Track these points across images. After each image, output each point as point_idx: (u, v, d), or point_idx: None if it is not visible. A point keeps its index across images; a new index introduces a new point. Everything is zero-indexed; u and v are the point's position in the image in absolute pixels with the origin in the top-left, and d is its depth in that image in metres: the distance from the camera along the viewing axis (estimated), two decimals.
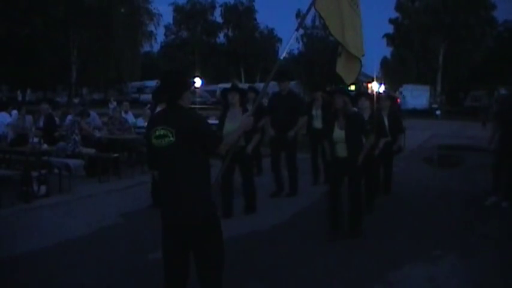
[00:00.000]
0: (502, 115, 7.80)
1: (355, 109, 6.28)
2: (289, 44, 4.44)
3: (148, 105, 12.27)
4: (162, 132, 3.26)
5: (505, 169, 7.59)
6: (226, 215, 6.45)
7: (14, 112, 11.09)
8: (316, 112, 8.76)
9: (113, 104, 13.18)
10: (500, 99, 14.30)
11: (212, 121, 13.65)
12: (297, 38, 52.15)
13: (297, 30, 4.40)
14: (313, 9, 4.29)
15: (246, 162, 6.86)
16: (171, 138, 3.23)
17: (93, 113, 11.93)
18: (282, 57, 4.47)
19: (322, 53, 38.29)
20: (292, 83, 33.08)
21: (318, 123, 8.62)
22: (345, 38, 4.47)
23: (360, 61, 4.74)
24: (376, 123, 6.98)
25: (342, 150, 5.86)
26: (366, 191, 6.96)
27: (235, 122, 6.21)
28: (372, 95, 8.62)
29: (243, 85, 32.27)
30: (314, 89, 9.38)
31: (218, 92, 43.23)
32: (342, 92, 6.06)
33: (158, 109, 6.23)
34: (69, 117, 11.16)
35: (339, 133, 5.85)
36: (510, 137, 7.43)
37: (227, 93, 6.84)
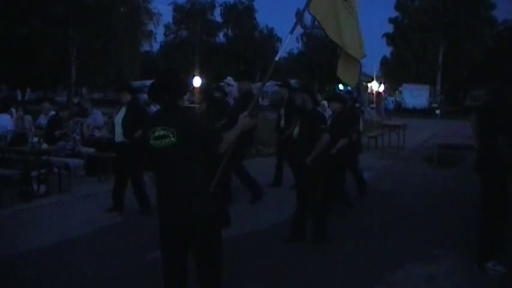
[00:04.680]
0: None
1: (318, 108, 6.11)
2: (284, 47, 4.48)
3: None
4: (162, 132, 3.24)
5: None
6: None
7: (12, 111, 11.09)
8: (281, 111, 8.38)
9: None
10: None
11: None
12: (296, 38, 52.14)
13: (291, 33, 4.34)
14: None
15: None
16: (172, 139, 3.22)
17: (98, 111, 11.89)
18: (277, 59, 4.44)
19: (322, 52, 38.35)
20: (292, 81, 33.08)
21: (283, 123, 8.21)
22: (342, 40, 4.47)
23: (359, 62, 4.74)
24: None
25: (299, 148, 5.73)
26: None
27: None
28: (343, 97, 8.25)
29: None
30: (281, 85, 8.75)
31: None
32: (303, 90, 6.06)
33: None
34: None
35: (296, 130, 5.75)
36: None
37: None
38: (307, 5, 4.24)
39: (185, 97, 3.43)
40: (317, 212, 5.70)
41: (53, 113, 11.12)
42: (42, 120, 11.21)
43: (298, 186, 5.91)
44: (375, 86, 38.91)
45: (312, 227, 5.73)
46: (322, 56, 38.77)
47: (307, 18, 39.26)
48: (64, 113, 10.57)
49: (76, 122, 9.89)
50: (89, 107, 11.16)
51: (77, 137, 9.63)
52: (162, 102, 3.38)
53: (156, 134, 3.26)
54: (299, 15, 4.38)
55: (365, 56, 4.78)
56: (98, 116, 11.59)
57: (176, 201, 3.28)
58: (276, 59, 4.41)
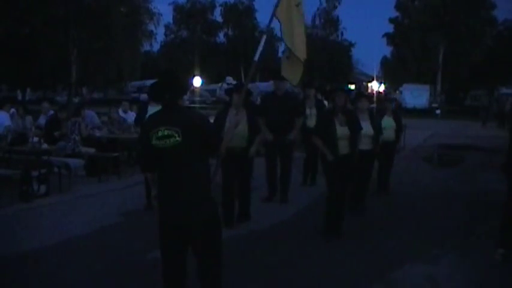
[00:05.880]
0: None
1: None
2: (262, 46, 4.62)
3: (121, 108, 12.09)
4: (166, 132, 3.24)
5: None
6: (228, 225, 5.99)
7: (13, 110, 11.10)
8: (311, 111, 8.42)
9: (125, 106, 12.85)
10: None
11: (212, 120, 13.57)
12: None
13: (264, 33, 4.82)
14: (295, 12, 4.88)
15: (247, 164, 6.47)
16: (178, 138, 3.22)
17: (91, 112, 11.88)
18: (256, 59, 4.53)
19: (322, 52, 38.34)
20: None
21: (312, 122, 8.13)
22: (294, 43, 4.91)
23: (303, 63, 5.11)
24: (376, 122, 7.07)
25: (343, 148, 5.82)
26: (361, 191, 6.97)
27: (241, 122, 5.70)
28: (371, 95, 8.64)
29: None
30: (307, 85, 8.93)
31: (218, 92, 43.35)
32: (344, 90, 6.21)
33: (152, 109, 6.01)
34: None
35: (341, 130, 5.81)
36: None
37: (233, 93, 6.32)
38: (275, 10, 4.63)
39: (185, 97, 3.44)
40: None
41: (52, 112, 11.12)
42: (42, 120, 11.22)
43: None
44: (375, 86, 38.95)
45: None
46: (322, 56, 38.72)
47: (307, 19, 39.27)
48: (62, 114, 10.56)
49: (74, 122, 9.88)
50: (81, 108, 11.14)
51: (77, 138, 9.62)
52: (163, 102, 3.39)
53: (160, 134, 3.26)
54: (270, 17, 4.73)
55: (305, 58, 5.13)
56: (92, 116, 11.59)
57: (178, 200, 3.29)
58: (255, 59, 4.53)
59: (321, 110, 8.47)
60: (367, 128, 6.70)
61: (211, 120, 6.00)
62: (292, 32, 4.85)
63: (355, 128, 5.95)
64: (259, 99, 14.95)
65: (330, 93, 6.88)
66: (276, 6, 4.67)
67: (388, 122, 8.01)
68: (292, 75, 5.15)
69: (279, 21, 4.72)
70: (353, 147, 5.90)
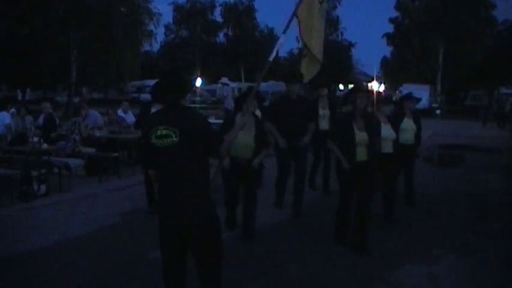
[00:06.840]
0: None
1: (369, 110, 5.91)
2: (278, 47, 4.60)
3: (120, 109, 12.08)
4: (164, 132, 3.24)
5: None
6: (230, 228, 5.95)
7: (12, 110, 11.10)
8: (324, 112, 8.00)
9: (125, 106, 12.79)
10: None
11: (212, 121, 13.63)
12: (296, 37, 52.17)
13: (284, 33, 4.60)
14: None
15: (252, 176, 6.06)
16: (175, 139, 3.22)
17: (95, 112, 11.89)
18: (271, 59, 4.49)
19: (323, 52, 38.29)
20: None
21: (325, 124, 7.85)
22: (311, 42, 4.98)
23: (320, 63, 5.20)
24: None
25: (361, 154, 5.38)
26: (386, 200, 6.62)
27: (248, 131, 5.57)
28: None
29: (243, 84, 32.10)
30: (320, 85, 8.52)
31: (218, 92, 43.36)
32: (366, 92, 5.87)
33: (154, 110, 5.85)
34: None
35: (360, 135, 5.38)
36: None
37: (245, 99, 5.48)
38: (296, 9, 4.62)
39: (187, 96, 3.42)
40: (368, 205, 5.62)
41: (50, 111, 11.13)
42: (42, 120, 11.23)
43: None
44: (375, 86, 38.89)
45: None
46: (323, 56, 38.73)
47: None
48: (58, 113, 10.52)
49: (74, 122, 9.89)
50: (84, 108, 11.09)
51: (77, 138, 9.63)
52: (164, 101, 3.39)
53: (158, 133, 3.26)
54: (291, 16, 4.64)
55: (321, 60, 5.23)
56: (96, 116, 11.57)
57: (177, 200, 3.29)
58: (270, 59, 4.47)
59: (334, 111, 8.15)
60: (388, 131, 6.30)
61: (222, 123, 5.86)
62: (311, 32, 4.81)
63: (374, 133, 5.53)
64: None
65: (350, 94, 6.38)
66: (298, 5, 4.60)
67: (408, 123, 7.58)
68: (307, 72, 5.13)
69: (298, 20, 4.63)
70: (371, 154, 5.44)
